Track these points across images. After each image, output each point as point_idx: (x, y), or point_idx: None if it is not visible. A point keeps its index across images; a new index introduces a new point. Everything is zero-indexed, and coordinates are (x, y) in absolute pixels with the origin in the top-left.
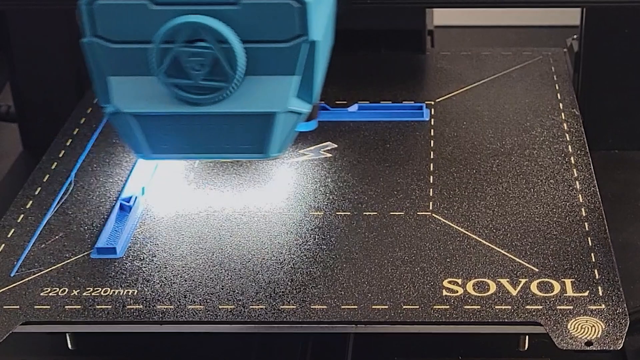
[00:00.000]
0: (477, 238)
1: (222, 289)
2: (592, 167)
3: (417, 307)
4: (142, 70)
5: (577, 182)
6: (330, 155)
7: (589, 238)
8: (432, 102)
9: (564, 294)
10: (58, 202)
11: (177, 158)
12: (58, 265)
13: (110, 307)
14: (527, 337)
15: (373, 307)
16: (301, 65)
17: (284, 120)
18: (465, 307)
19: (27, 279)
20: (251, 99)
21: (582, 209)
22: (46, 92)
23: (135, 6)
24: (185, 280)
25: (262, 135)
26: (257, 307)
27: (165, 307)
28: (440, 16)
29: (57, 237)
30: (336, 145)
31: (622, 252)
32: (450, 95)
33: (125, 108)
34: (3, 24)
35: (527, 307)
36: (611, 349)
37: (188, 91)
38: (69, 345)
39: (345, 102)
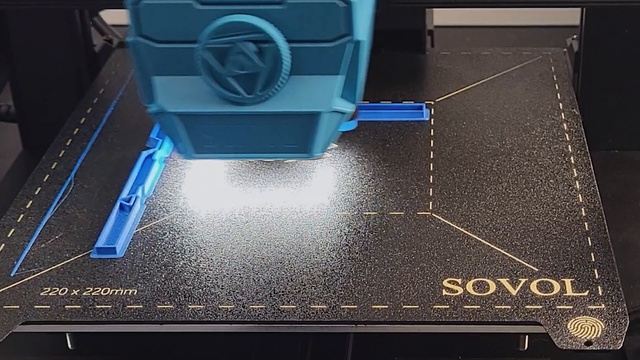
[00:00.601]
0: (477, 238)
1: (222, 288)
2: (592, 167)
3: (417, 306)
4: (186, 70)
5: (577, 182)
6: (330, 155)
7: (588, 238)
8: (432, 102)
9: (564, 294)
10: (58, 202)
11: (220, 158)
12: (58, 265)
13: (110, 307)
14: (527, 336)
15: (373, 306)
16: (345, 65)
17: (328, 120)
18: (465, 306)
19: (27, 279)
20: (295, 98)
21: (582, 209)
22: (46, 92)
23: (181, 6)
24: (185, 280)
25: (306, 135)
26: (257, 306)
27: (165, 306)
28: (440, 16)
29: (57, 237)
30: (336, 145)
31: (622, 252)
32: (450, 95)
33: (169, 108)
34: (3, 24)
35: (527, 306)
36: (611, 348)
37: (233, 91)
38: (69, 345)
39: None
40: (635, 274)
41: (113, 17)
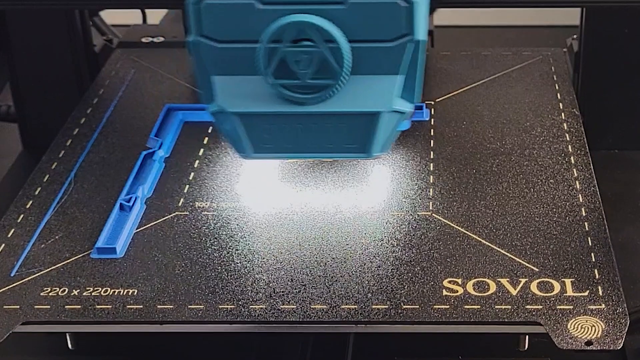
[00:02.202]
0: (477, 238)
1: (222, 288)
2: (592, 167)
3: (417, 306)
4: (247, 70)
5: (577, 182)
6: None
7: (589, 238)
8: (432, 102)
9: (564, 294)
10: (58, 202)
11: (279, 157)
12: (58, 265)
13: (110, 307)
14: (527, 336)
15: (373, 306)
16: (405, 64)
17: (388, 120)
18: (465, 306)
19: (27, 279)
20: (355, 98)
21: (582, 209)
22: (46, 92)
23: (243, 6)
24: (185, 280)
25: (366, 134)
26: (257, 306)
27: (166, 306)
28: (440, 16)
29: (57, 237)
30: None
31: (622, 252)
32: (450, 95)
33: (229, 107)
34: (3, 24)
35: (527, 306)
36: (611, 348)
37: (294, 90)
38: (69, 345)
39: None
40: (635, 274)
41: (113, 17)
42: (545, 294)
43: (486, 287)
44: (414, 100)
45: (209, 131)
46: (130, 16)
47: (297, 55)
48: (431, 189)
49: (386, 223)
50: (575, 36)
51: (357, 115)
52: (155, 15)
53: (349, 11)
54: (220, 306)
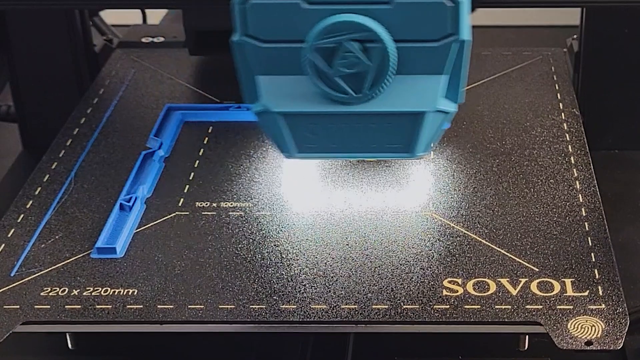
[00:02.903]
0: (477, 238)
1: (223, 288)
2: (592, 167)
3: (417, 306)
4: (291, 70)
5: (577, 182)
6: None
7: (589, 238)
8: None
9: (564, 294)
10: (58, 202)
11: (322, 157)
12: (58, 265)
13: (110, 306)
14: (527, 336)
15: (373, 306)
16: (450, 64)
17: (432, 120)
18: (465, 306)
19: (27, 279)
20: (400, 98)
21: (582, 209)
22: (46, 92)
23: (289, 5)
24: (186, 280)
25: (410, 134)
26: (257, 306)
27: (166, 306)
28: None
29: (57, 237)
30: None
31: (622, 252)
32: None
33: (274, 107)
34: (3, 24)
35: (527, 306)
36: (611, 348)
37: (339, 90)
38: (69, 345)
39: None
40: (635, 274)
41: (113, 17)
42: (545, 294)
43: (486, 287)
44: (458, 100)
45: (209, 131)
46: (130, 16)
47: (343, 55)
48: (431, 189)
49: (386, 223)
50: (575, 36)
51: (402, 115)
52: (155, 15)
53: (394, 11)
54: (220, 306)
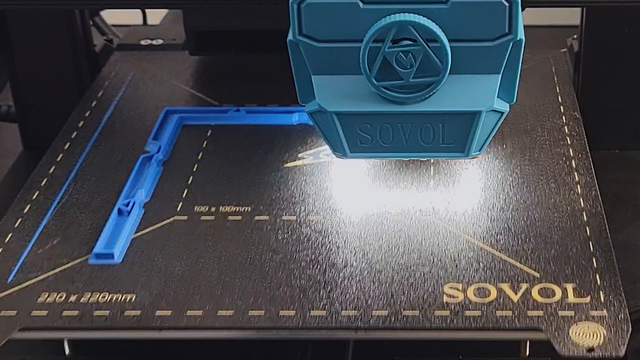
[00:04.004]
0: (478, 242)
1: (221, 294)
2: (593, 170)
3: (417, 313)
4: (347, 69)
5: (578, 186)
6: (330, 159)
7: (590, 243)
8: None
9: (566, 300)
10: (56, 207)
11: (375, 157)
12: (55, 271)
13: (108, 313)
14: (527, 343)
15: (373, 313)
16: (505, 64)
17: (487, 120)
18: (465, 313)
19: (24, 285)
20: (455, 97)
21: (584, 214)
22: (46, 92)
23: (345, 5)
24: (184, 286)
25: (465, 134)
26: (256, 313)
27: (164, 313)
28: None
29: (54, 242)
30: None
31: (622, 252)
32: None
33: (329, 107)
34: (3, 24)
35: (528, 313)
36: (613, 355)
37: (395, 90)
38: (67, 351)
39: None
40: (635, 274)
41: (113, 17)
42: (546, 300)
43: (487, 293)
44: (512, 99)
45: (208, 134)
46: (130, 16)
47: (399, 54)
48: (431, 193)
49: (386, 227)
50: (575, 36)
51: (457, 114)
52: (156, 15)
53: (450, 10)
54: (219, 312)
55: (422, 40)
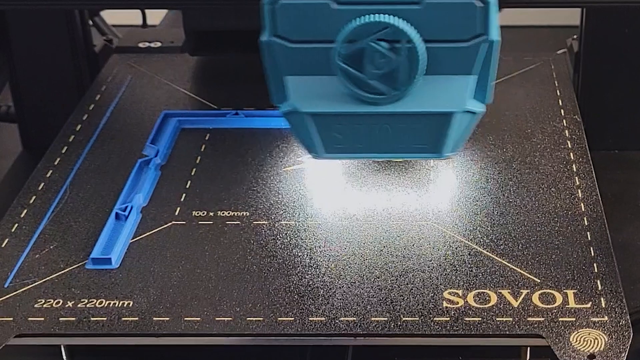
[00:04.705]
0: (478, 248)
1: (219, 300)
2: (594, 175)
3: (417, 318)
4: (320, 70)
5: (579, 191)
6: (329, 163)
7: (591, 248)
8: None
9: (566, 306)
10: (53, 211)
11: (350, 157)
12: (52, 276)
13: (105, 319)
14: (528, 349)
15: (372, 318)
16: (479, 64)
17: (460, 120)
18: (465, 319)
19: (20, 290)
20: (429, 98)
21: (585, 218)
22: (46, 92)
23: (318, 6)
24: (182, 291)
25: (438, 135)
26: (254, 319)
27: (161, 318)
28: None
29: (51, 247)
30: None
31: (622, 252)
32: None
33: (303, 107)
34: (3, 24)
35: (529, 319)
36: None
37: (368, 90)
38: (64, 357)
39: None
40: (635, 275)
41: (113, 17)
42: (547, 306)
43: (487, 298)
44: (486, 100)
45: (206, 138)
46: (130, 16)
47: (372, 55)
48: (431, 198)
49: (385, 233)
50: (575, 36)
51: (430, 115)
52: (156, 16)
53: (424, 11)
54: (217, 318)
55: (395, 41)
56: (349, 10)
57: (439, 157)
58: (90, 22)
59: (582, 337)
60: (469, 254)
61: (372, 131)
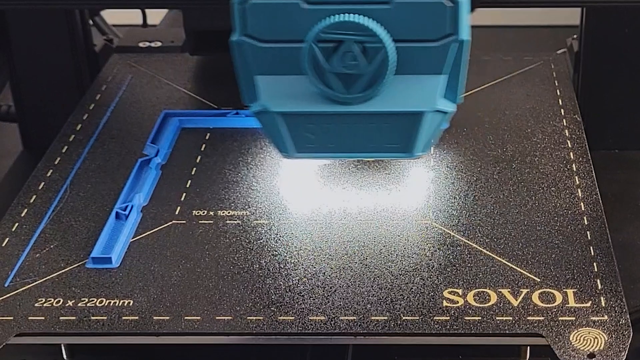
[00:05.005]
0: (478, 247)
1: (220, 299)
2: (594, 174)
3: (417, 318)
4: (290, 69)
5: (579, 190)
6: (329, 160)
7: (591, 247)
8: None
9: (566, 305)
10: (53, 211)
11: (321, 157)
12: (53, 275)
13: (105, 318)
14: (528, 348)
15: (372, 318)
16: (449, 64)
17: (431, 120)
18: (465, 318)
19: (21, 289)
20: (399, 98)
21: (584, 218)
22: (46, 92)
23: (288, 5)
24: (182, 291)
25: (409, 134)
26: (254, 318)
27: (162, 317)
28: None
29: (52, 246)
30: None
31: (622, 252)
32: None
33: (273, 107)
34: (3, 24)
35: (529, 318)
36: None
37: (338, 90)
38: (64, 356)
39: None
40: (635, 274)
41: (113, 17)
42: (547, 305)
43: (487, 297)
44: (457, 100)
45: (207, 138)
46: (130, 16)
47: (342, 55)
48: (431, 197)
49: (385, 232)
50: (575, 36)
51: (401, 114)
52: (156, 16)
53: (394, 11)
54: (217, 317)
55: (365, 41)
56: (318, 10)
57: (410, 156)
58: (91, 22)
59: (582, 336)
60: (469, 253)
61: (342, 131)
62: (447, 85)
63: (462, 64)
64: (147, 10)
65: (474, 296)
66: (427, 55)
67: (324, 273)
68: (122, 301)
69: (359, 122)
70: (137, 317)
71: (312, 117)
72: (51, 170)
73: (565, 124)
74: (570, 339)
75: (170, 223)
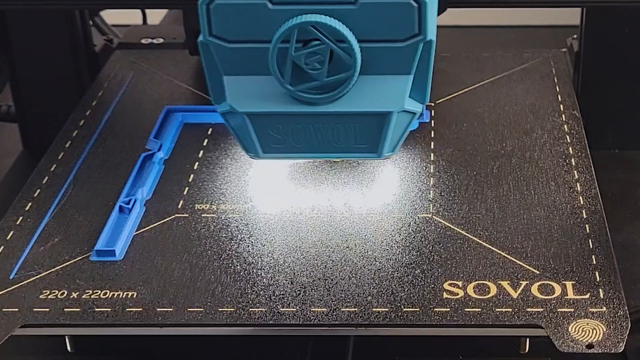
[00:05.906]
0: (478, 240)
1: (222, 291)
2: (592, 169)
3: (418, 309)
4: (257, 70)
5: (577, 184)
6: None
7: (590, 240)
8: (433, 104)
9: (565, 297)
10: (57, 204)
11: (288, 158)
12: (57, 268)
13: (109, 309)
14: (527, 339)
15: (373, 309)
16: (416, 64)
17: (399, 120)
18: (465, 309)
19: (26, 282)
20: (366, 98)
21: (583, 211)
22: (46, 92)
23: (253, 6)
24: (185, 283)
25: (376, 135)
26: (256, 309)
27: (165, 309)
28: (440, 16)
29: (56, 239)
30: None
31: (622, 251)
32: (451, 97)
33: (240, 108)
34: (3, 24)
35: (528, 309)
36: (612, 351)
37: (304, 90)
38: (68, 348)
39: None
40: (635, 274)
41: (113, 17)
42: (546, 297)
43: (487, 289)
44: (425, 100)
45: (209, 133)
46: (130, 16)
47: (308, 55)
48: (431, 191)
49: (386, 225)
50: (575, 36)
51: (368, 115)
52: (156, 15)
53: (359, 11)
54: (220, 309)
55: (329, 41)
56: (284, 10)
57: (378, 157)
58: (90, 22)
59: (580, 327)
60: (469, 246)
61: (309, 131)
62: (414, 86)
63: (429, 64)
64: (147, 10)
65: (473, 288)
66: (393, 56)
67: (326, 265)
68: (125, 293)
69: (326, 122)
70: (140, 309)
71: (278, 118)
72: (55, 165)
73: (564, 119)
74: (569, 330)
75: (173, 217)
